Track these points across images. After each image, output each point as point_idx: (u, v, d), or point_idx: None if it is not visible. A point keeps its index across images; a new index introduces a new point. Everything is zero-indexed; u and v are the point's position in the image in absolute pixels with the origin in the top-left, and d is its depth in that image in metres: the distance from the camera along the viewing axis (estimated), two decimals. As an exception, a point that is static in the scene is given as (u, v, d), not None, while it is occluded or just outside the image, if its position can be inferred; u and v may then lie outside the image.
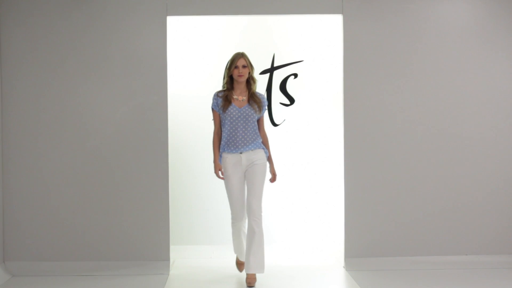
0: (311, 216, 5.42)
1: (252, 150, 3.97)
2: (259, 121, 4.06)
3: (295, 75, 5.37)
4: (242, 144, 3.95)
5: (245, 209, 3.97)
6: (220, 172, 3.97)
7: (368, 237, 4.42)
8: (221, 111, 3.97)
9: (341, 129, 4.54)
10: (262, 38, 5.32)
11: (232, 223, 4.08)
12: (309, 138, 5.39)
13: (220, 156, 4.01)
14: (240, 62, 3.95)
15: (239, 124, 3.93)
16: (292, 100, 5.37)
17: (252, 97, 4.01)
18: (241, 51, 4.02)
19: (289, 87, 5.35)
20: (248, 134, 3.95)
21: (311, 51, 5.37)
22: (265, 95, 4.09)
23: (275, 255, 4.89)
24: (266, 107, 4.39)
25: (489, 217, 4.46)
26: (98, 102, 4.36)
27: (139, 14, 4.35)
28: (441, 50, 4.43)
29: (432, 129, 4.44)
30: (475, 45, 4.44)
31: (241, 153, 3.95)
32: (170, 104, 4.48)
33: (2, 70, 4.34)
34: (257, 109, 3.99)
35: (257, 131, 4.01)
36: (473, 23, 4.44)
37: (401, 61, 4.41)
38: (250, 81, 4.03)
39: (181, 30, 5.27)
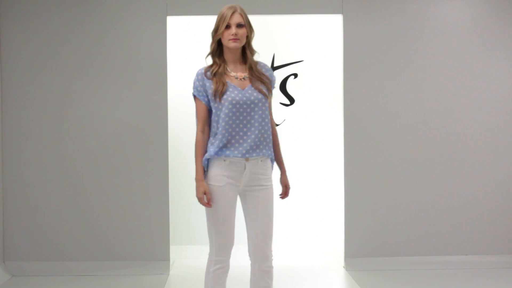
0: (311, 216, 5.42)
1: (261, 160, 2.69)
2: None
3: (295, 75, 5.37)
4: (251, 144, 2.65)
5: (232, 245, 2.75)
6: (205, 196, 2.71)
7: (368, 237, 4.42)
8: (211, 99, 2.68)
9: (341, 129, 4.54)
10: (262, 38, 5.30)
11: (213, 266, 2.70)
12: (309, 138, 5.39)
13: (206, 164, 2.76)
14: (234, 19, 2.64)
15: (244, 114, 2.64)
16: (292, 100, 5.37)
17: (255, 72, 2.70)
18: (234, 4, 2.72)
19: (289, 87, 5.35)
20: (258, 130, 2.65)
21: (311, 51, 5.37)
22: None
23: (275, 255, 4.87)
24: (275, 86, 2.86)
25: (489, 217, 4.46)
26: (98, 102, 4.36)
27: (139, 14, 4.35)
28: (441, 50, 4.42)
29: (432, 129, 4.43)
30: (475, 45, 4.44)
31: (247, 159, 2.66)
32: (170, 104, 4.48)
33: (2, 70, 4.34)
34: (265, 89, 2.69)
35: (269, 125, 2.70)
36: (473, 23, 4.44)
37: (401, 61, 4.41)
38: (246, 51, 2.72)
39: (181, 30, 5.26)
